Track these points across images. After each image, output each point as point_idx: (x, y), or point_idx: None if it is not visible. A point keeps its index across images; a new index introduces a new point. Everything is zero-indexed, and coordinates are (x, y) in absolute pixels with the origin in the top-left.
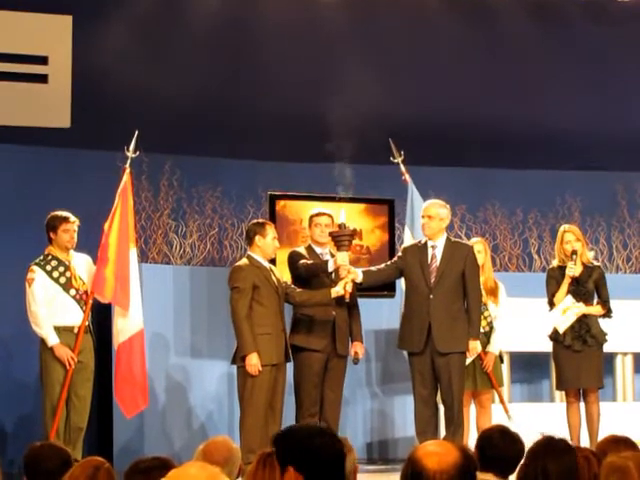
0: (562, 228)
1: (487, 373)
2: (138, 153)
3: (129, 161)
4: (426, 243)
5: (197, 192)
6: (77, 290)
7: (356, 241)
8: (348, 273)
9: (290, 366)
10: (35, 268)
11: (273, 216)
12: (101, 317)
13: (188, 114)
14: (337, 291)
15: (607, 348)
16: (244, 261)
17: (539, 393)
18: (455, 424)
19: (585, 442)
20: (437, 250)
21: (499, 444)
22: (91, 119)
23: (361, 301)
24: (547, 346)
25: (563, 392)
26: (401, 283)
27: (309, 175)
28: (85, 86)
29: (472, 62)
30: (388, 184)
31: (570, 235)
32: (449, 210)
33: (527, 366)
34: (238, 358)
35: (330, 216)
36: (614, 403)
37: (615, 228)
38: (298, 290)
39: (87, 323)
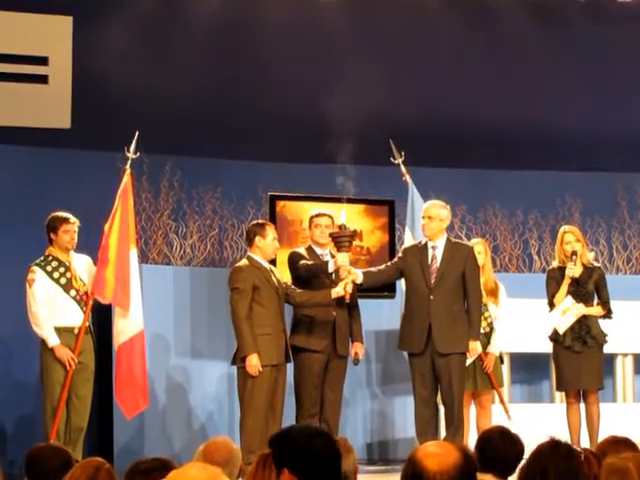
0: (562, 229)
1: (487, 374)
2: (138, 154)
3: (129, 162)
4: (426, 244)
5: (197, 193)
6: (77, 291)
7: (356, 242)
8: (348, 274)
9: (290, 367)
10: (35, 269)
11: (273, 217)
12: (101, 318)
13: (188, 115)
14: (337, 292)
15: (607, 349)
16: (244, 262)
17: (539, 394)
18: (455, 425)
19: (585, 443)
20: (437, 251)
21: (499, 445)
22: (91, 120)
23: (361, 302)
24: (547, 347)
25: (563, 393)
26: (401, 284)
27: (309, 176)
28: (85, 87)
29: (472, 62)
30: (388, 185)
31: (570, 236)
32: (449, 211)
33: (527, 367)
34: (238, 359)
35: (330, 217)
36: (614, 404)
37: (615, 229)
38: (298, 291)
39: (87, 324)
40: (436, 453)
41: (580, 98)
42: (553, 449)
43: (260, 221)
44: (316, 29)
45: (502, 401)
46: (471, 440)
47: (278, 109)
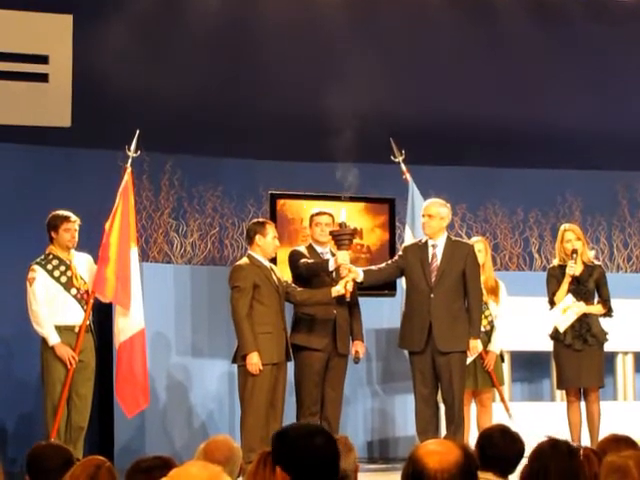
0: (563, 227)
1: (488, 372)
2: (139, 152)
3: (130, 160)
4: (427, 242)
5: (198, 191)
6: (78, 289)
7: (356, 240)
8: (349, 272)
9: (291, 365)
10: (36, 267)
11: (274, 215)
12: (102, 316)
13: (189, 113)
14: (338, 290)
15: (608, 347)
16: (245, 260)
17: (540, 392)
18: (456, 423)
19: (586, 441)
20: (438, 249)
21: (499, 443)
22: (92, 118)
23: (362, 300)
24: (548, 345)
25: (564, 391)
26: (402, 282)
27: (310, 174)
28: (86, 85)
29: (473, 61)
30: (389, 183)
31: (571, 234)
32: (449, 209)
33: (528, 365)
34: (239, 357)
35: (331, 215)
36: (615, 402)
37: (616, 227)
38: (299, 289)
39: (88, 322)
40: (437, 451)
41: (580, 97)
42: (553, 448)
43: (260, 219)
44: (316, 29)
45: (503, 399)
46: (472, 438)
47: (278, 108)
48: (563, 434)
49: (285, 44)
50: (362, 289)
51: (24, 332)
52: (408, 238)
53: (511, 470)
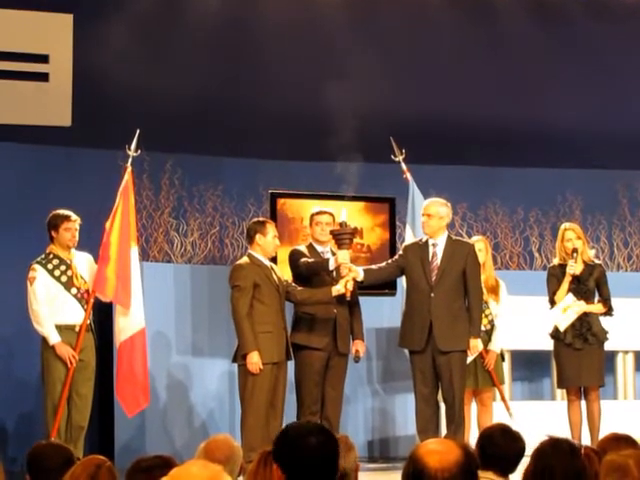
0: (563, 226)
1: (488, 371)
2: (139, 152)
3: (130, 160)
4: (427, 241)
5: (198, 191)
6: (78, 289)
7: (357, 239)
8: (349, 271)
9: (291, 364)
10: (36, 267)
11: (274, 214)
12: (102, 316)
13: (189, 113)
14: (338, 289)
15: (608, 346)
16: (245, 259)
17: (540, 391)
18: (456, 422)
19: (586, 440)
20: (438, 248)
21: (500, 442)
22: (92, 118)
23: (362, 299)
24: (548, 344)
25: (564, 390)
26: (402, 281)
27: (310, 174)
28: (86, 85)
29: (473, 61)
30: (389, 182)
31: (571, 233)
32: (449, 208)
33: (528, 364)
34: (239, 356)
35: (331, 214)
36: (615, 401)
37: (616, 226)
38: (299, 288)
39: (88, 322)
40: (437, 450)
41: (580, 96)
42: (555, 447)
43: (261, 219)
44: (316, 29)
45: (503, 398)
46: (472, 438)
47: (279, 107)
48: (563, 433)
49: (285, 44)
50: (362, 288)
51: (24, 331)
52: (409, 237)
53: (512, 469)
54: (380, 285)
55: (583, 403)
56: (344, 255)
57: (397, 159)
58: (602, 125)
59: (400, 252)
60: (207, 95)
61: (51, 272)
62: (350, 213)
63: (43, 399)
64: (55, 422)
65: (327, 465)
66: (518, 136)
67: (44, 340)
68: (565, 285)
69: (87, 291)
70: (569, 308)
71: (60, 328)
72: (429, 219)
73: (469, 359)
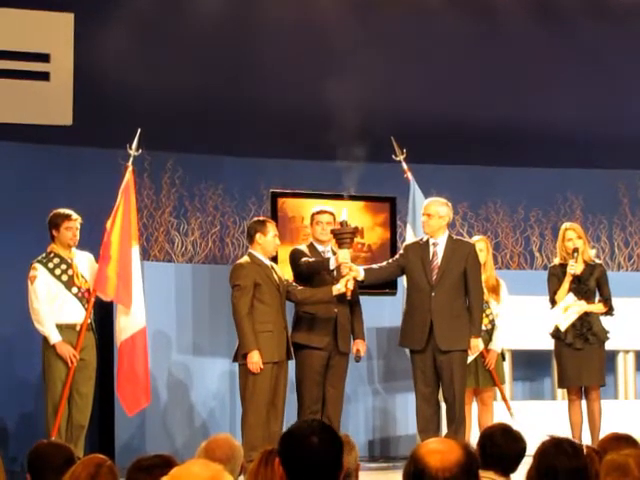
0: (564, 226)
1: (489, 371)
2: (140, 151)
3: (131, 159)
4: (428, 241)
5: (199, 190)
6: (79, 288)
7: (357, 239)
8: (350, 271)
9: (292, 364)
10: (37, 266)
11: (275, 214)
12: (103, 315)
13: (190, 112)
14: (339, 289)
15: (609, 346)
16: (245, 259)
17: (541, 391)
18: (457, 422)
19: (587, 440)
20: (438, 248)
21: (501, 442)
22: (93, 117)
23: (363, 299)
24: (549, 344)
25: (565, 390)
26: (403, 281)
27: (311, 173)
28: (87, 84)
29: (473, 61)
30: (390, 182)
31: (572, 233)
32: (450, 208)
33: (529, 364)
34: (240, 356)
35: (332, 214)
36: (616, 401)
37: (617, 226)
38: (299, 288)
39: (89, 321)
40: (438, 450)
41: (580, 96)
42: (557, 447)
43: (261, 218)
44: (316, 29)
45: (504, 398)
46: (473, 437)
47: (279, 106)
48: (564, 433)
49: (285, 43)
50: (363, 288)
51: (25, 330)
52: (409, 237)
53: (512, 469)
54: (381, 284)
55: (584, 403)
56: (345, 254)
57: (398, 158)
58: (602, 125)
59: (401, 251)
60: (208, 94)
61: (52, 271)
62: (351, 212)
63: (44, 398)
64: (56, 421)
65: (331, 463)
66: (519, 136)
67: (45, 339)
68: (566, 285)
69: (88, 290)
70: (570, 308)
71: (61, 327)
72: (429, 219)
73: (470, 358)
